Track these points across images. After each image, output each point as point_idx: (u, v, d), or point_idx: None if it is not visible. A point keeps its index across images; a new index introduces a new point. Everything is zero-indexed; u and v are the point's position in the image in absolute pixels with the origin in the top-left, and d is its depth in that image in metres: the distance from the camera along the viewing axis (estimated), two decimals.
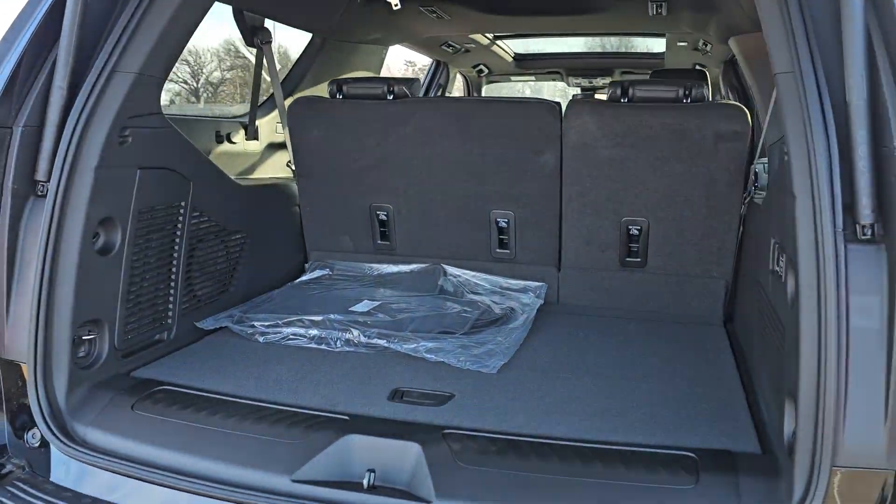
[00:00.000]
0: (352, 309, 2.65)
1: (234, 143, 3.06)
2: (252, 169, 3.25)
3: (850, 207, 1.42)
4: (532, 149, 2.73)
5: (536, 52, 5.93)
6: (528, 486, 1.56)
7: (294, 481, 1.61)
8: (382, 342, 2.31)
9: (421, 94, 3.79)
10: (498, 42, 5.28)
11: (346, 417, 1.82)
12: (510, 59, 5.74)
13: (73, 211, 1.90)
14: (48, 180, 1.90)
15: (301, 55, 3.56)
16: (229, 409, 1.89)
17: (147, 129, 2.12)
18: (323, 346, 2.36)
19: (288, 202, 3.13)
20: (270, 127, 3.37)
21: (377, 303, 2.74)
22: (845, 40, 1.40)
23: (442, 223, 2.97)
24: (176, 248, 2.34)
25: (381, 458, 1.65)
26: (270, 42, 3.04)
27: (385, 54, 4.27)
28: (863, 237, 1.41)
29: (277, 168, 3.39)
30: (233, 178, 2.85)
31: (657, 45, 5.15)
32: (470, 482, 1.56)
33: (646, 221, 2.73)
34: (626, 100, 2.63)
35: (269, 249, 2.94)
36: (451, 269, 3.01)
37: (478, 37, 4.77)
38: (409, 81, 2.95)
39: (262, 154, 3.32)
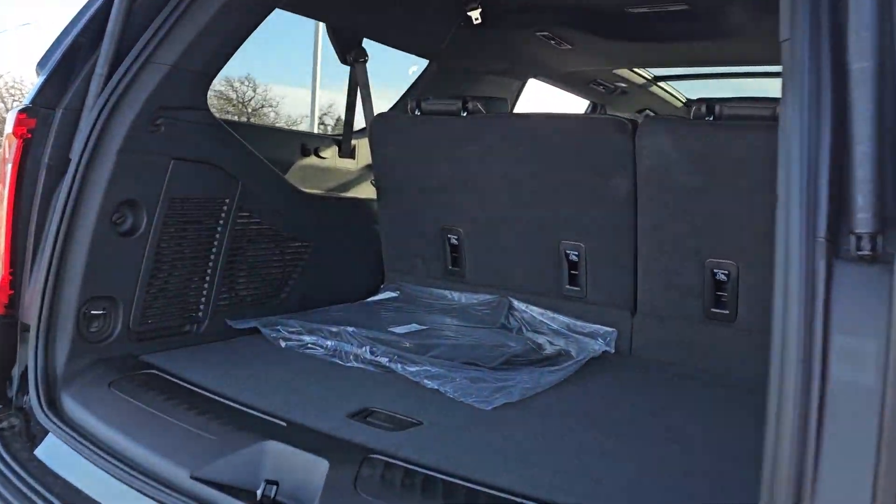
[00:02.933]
0: (391, 329, 2.51)
1: (322, 157, 3.10)
2: (345, 187, 3.26)
3: (842, 210, 1.02)
4: (602, 171, 2.43)
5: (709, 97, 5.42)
6: None
7: (192, 478, 1.49)
8: (384, 360, 2.13)
9: None
10: (661, 83, 4.91)
11: (284, 424, 1.68)
12: (680, 105, 5.31)
13: (92, 189, 2.00)
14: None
15: (415, 81, 3.56)
16: (195, 402, 1.84)
17: (185, 123, 2.19)
18: (336, 360, 2.24)
19: (368, 220, 3.09)
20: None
21: (423, 328, 2.57)
22: None
23: (512, 252, 2.74)
24: (216, 243, 2.38)
25: (287, 469, 1.48)
26: (365, 60, 3.07)
27: (519, 88, 4.14)
28: (859, 252, 1.00)
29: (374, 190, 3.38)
30: (312, 190, 2.88)
31: None
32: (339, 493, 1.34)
33: (734, 265, 2.29)
34: (711, 117, 2.25)
35: (338, 264, 2.90)
36: (517, 305, 2.75)
37: (630, 75, 4.47)
38: (494, 100, 2.80)
39: (360, 174, 3.33)
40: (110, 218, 2.05)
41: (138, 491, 1.52)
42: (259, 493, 1.42)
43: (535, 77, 4.21)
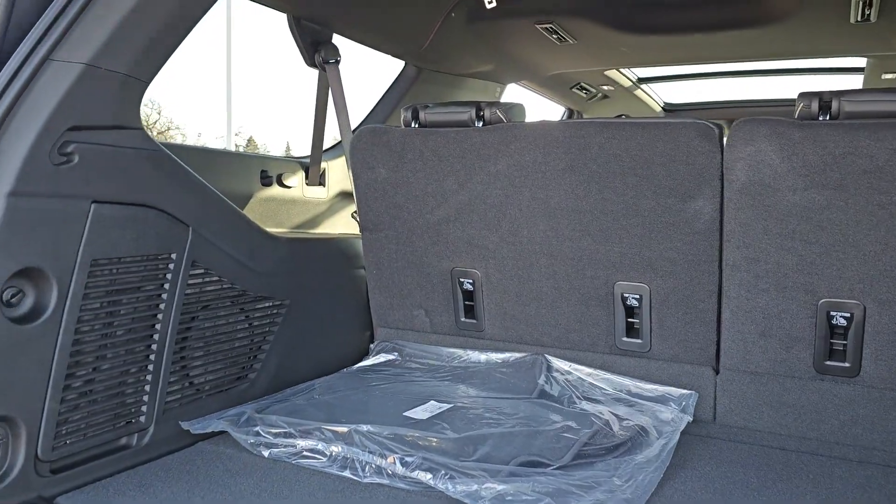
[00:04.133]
0: (407, 414, 1.86)
1: (287, 186, 2.43)
2: (315, 222, 2.60)
3: None
4: (677, 192, 1.87)
5: (694, 101, 5.02)
6: None
7: None
8: (427, 477, 1.49)
9: None
10: (643, 86, 4.45)
11: None
12: (659, 110, 4.87)
13: None
14: None
15: (389, 88, 2.93)
16: None
17: (109, 148, 1.50)
18: (347, 473, 1.58)
19: (350, 263, 2.43)
20: (344, 172, 2.73)
21: (447, 406, 1.94)
22: None
23: (546, 297, 2.14)
24: (160, 315, 1.69)
25: None
26: (338, 62, 2.42)
27: (500, 93, 3.58)
28: None
29: (352, 223, 2.73)
30: (277, 230, 2.21)
31: (847, 83, 4.08)
32: None
33: (860, 306, 1.76)
34: (826, 117, 1.72)
35: (318, 323, 2.24)
36: (556, 363, 2.16)
37: (618, 76, 3.98)
38: (510, 106, 2.20)
39: (332, 204, 2.67)
40: (2, 298, 1.35)
41: None
42: None
43: (516, 81, 3.66)
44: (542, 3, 2.57)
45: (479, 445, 1.66)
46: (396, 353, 2.39)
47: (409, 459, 1.54)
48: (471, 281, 2.24)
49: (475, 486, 1.46)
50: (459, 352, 2.32)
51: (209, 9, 1.67)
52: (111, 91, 1.47)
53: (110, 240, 1.53)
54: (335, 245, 2.41)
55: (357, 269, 2.45)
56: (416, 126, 2.20)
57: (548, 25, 2.76)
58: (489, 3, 2.22)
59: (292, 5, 2.28)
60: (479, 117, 2.11)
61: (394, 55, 2.80)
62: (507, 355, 2.25)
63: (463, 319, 2.31)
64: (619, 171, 1.92)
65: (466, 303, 2.29)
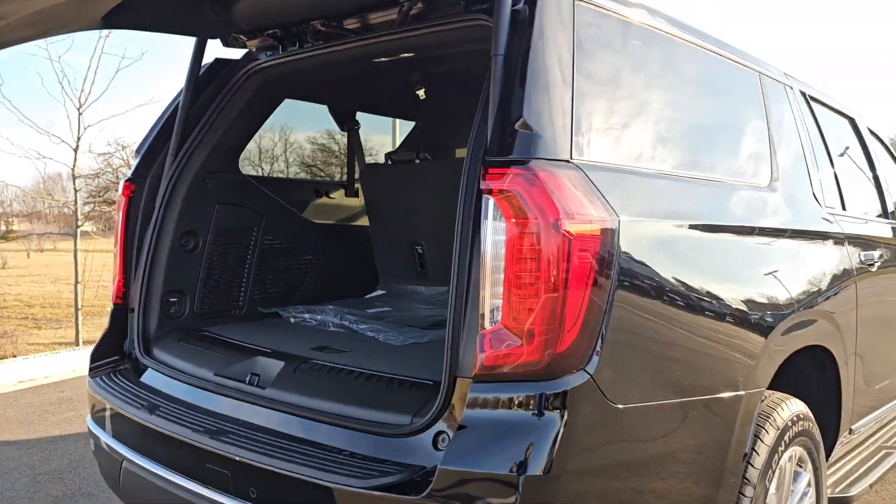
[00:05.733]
0: (367, 310, 3.69)
1: (331, 197, 4.36)
2: (353, 217, 4.51)
3: None
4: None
5: None
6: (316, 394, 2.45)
7: (215, 374, 2.71)
8: (346, 322, 3.32)
9: None
10: None
11: (270, 351, 2.87)
12: None
13: (168, 225, 3.29)
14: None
15: (404, 139, 4.81)
16: (228, 346, 3.07)
17: (225, 180, 3.48)
18: (320, 326, 3.44)
19: (363, 240, 4.31)
20: None
21: (390, 309, 3.74)
22: None
23: None
24: (248, 257, 3.65)
25: (263, 369, 2.66)
26: (358, 128, 4.33)
27: None
28: None
29: None
30: (321, 221, 4.14)
31: None
32: (294, 382, 2.51)
33: None
34: None
35: (338, 270, 4.12)
36: None
37: None
38: (445, 151, 3.99)
39: (362, 208, 4.58)
40: (179, 242, 3.34)
41: (193, 386, 2.75)
42: (247, 379, 2.62)
43: None
44: None
45: (386, 317, 3.45)
46: (387, 289, 4.23)
47: (345, 318, 3.37)
48: (420, 248, 4.03)
49: (365, 326, 3.25)
50: (418, 288, 4.10)
51: (274, 111, 3.62)
52: (224, 155, 3.44)
53: (224, 220, 3.49)
54: (354, 230, 4.30)
55: (367, 244, 4.31)
56: (390, 163, 4.05)
57: None
58: (422, 97, 4.02)
59: (328, 99, 4.21)
60: (418, 157, 3.91)
61: (404, 118, 4.68)
62: (441, 288, 4.00)
63: (419, 270, 4.09)
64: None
65: (420, 260, 4.06)
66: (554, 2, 2.18)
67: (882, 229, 4.11)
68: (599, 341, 1.94)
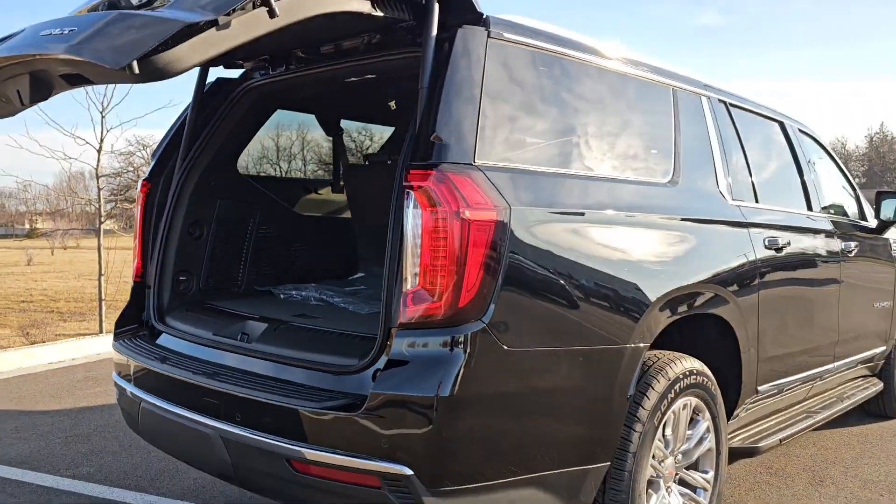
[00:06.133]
0: (346, 287, 4.37)
1: (319, 193, 5.05)
2: (337, 211, 5.19)
3: None
4: None
5: None
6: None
7: (214, 335, 3.41)
8: (325, 296, 4.00)
9: None
10: None
11: (258, 317, 3.56)
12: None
13: (178, 216, 3.99)
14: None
15: (384, 143, 5.48)
16: (227, 314, 3.76)
17: (225, 179, 4.17)
18: (305, 301, 4.12)
19: (344, 229, 4.99)
20: None
21: (365, 288, 4.42)
22: None
23: None
24: (245, 243, 4.34)
25: (252, 330, 3.36)
26: (342, 134, 5.01)
27: None
28: None
29: None
30: (309, 213, 4.83)
31: None
32: (274, 338, 3.20)
33: None
34: None
35: (323, 255, 4.81)
36: None
37: None
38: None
39: (346, 202, 5.26)
40: (188, 230, 4.03)
41: (200, 344, 3.44)
42: (238, 337, 3.31)
43: None
44: None
45: (358, 293, 4.13)
46: (366, 273, 4.90)
47: (324, 293, 4.06)
48: None
49: (340, 300, 3.93)
50: None
51: (267, 119, 4.32)
52: (224, 159, 4.13)
53: (225, 212, 4.18)
54: (338, 221, 4.98)
55: (349, 233, 4.99)
56: (367, 163, 4.72)
57: None
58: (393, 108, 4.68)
59: (316, 109, 4.89)
60: (390, 159, 4.58)
61: (384, 125, 5.35)
62: None
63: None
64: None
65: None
66: (470, 41, 2.83)
67: (796, 219, 4.70)
68: (493, 299, 2.60)
